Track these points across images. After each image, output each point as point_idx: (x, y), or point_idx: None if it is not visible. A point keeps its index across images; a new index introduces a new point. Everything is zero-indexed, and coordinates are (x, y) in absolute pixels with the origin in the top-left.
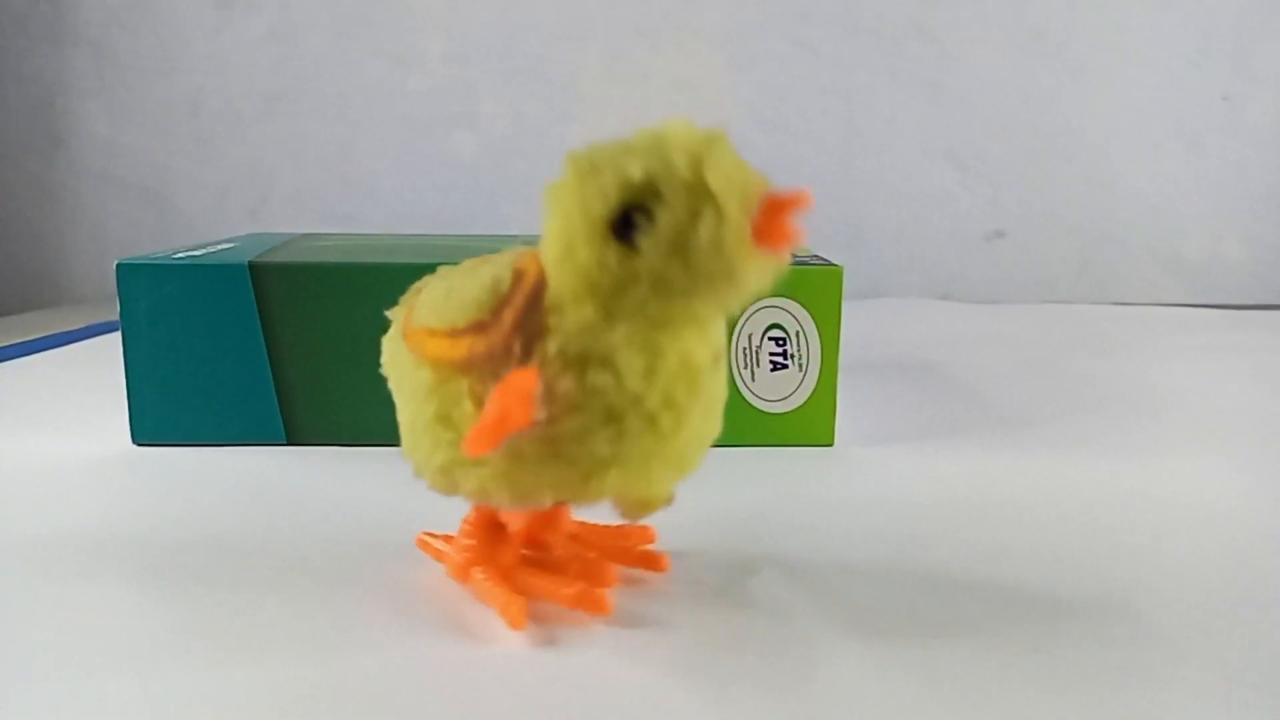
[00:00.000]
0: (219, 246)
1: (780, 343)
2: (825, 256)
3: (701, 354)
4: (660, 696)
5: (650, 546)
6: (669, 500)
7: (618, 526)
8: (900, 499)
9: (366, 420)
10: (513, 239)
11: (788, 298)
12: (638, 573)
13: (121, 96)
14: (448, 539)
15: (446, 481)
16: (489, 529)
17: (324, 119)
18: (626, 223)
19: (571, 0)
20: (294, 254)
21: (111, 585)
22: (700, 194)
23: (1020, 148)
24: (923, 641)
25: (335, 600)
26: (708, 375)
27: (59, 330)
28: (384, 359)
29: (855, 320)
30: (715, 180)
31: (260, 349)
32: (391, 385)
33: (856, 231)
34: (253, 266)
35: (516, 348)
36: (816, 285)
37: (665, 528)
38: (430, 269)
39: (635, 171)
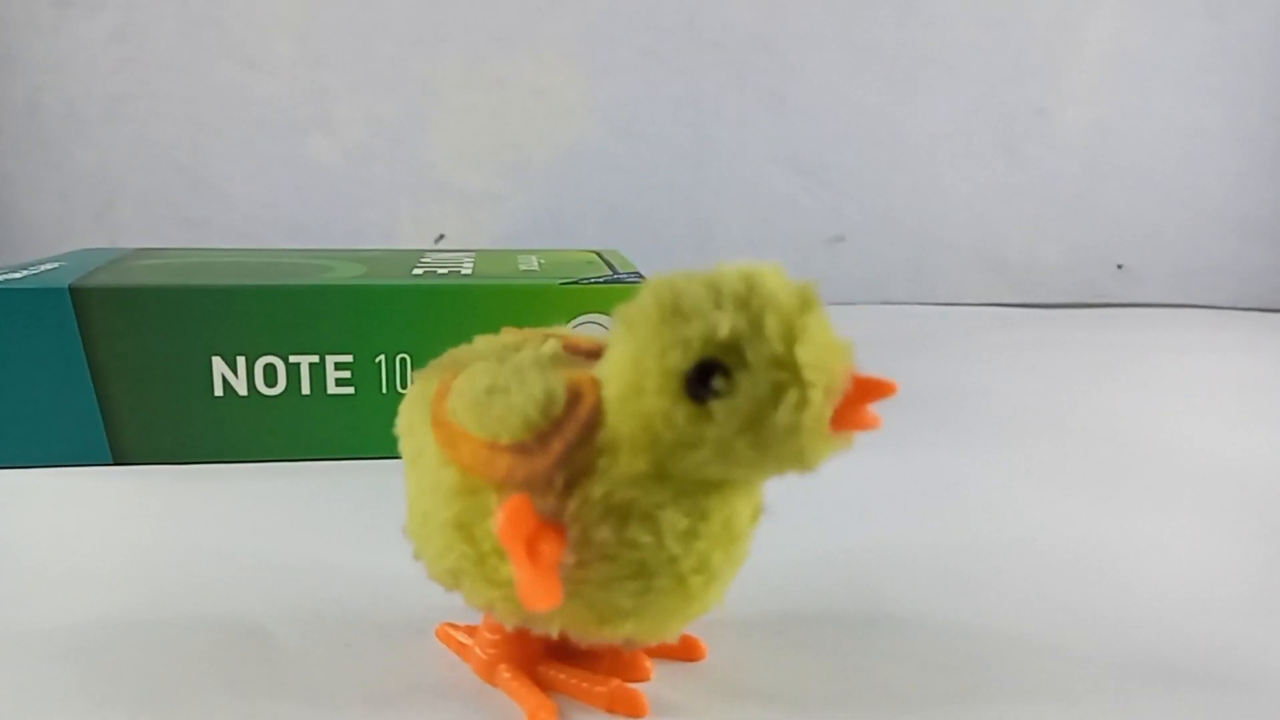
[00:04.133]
0: (45, 266)
1: None
2: (642, 272)
3: (745, 516)
4: None
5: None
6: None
7: None
8: None
9: (195, 439)
10: (368, 252)
11: (605, 313)
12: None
13: None
14: (470, 630)
15: (452, 583)
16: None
17: (172, 122)
18: (702, 379)
19: (425, 7)
20: (119, 275)
21: None
22: (788, 371)
23: (858, 156)
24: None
25: (227, 664)
26: (747, 537)
27: None
28: (400, 424)
29: None
30: (806, 360)
31: (83, 370)
32: (404, 453)
33: (707, 235)
34: (73, 290)
35: (559, 481)
36: None
37: None
38: (260, 291)
39: (723, 328)
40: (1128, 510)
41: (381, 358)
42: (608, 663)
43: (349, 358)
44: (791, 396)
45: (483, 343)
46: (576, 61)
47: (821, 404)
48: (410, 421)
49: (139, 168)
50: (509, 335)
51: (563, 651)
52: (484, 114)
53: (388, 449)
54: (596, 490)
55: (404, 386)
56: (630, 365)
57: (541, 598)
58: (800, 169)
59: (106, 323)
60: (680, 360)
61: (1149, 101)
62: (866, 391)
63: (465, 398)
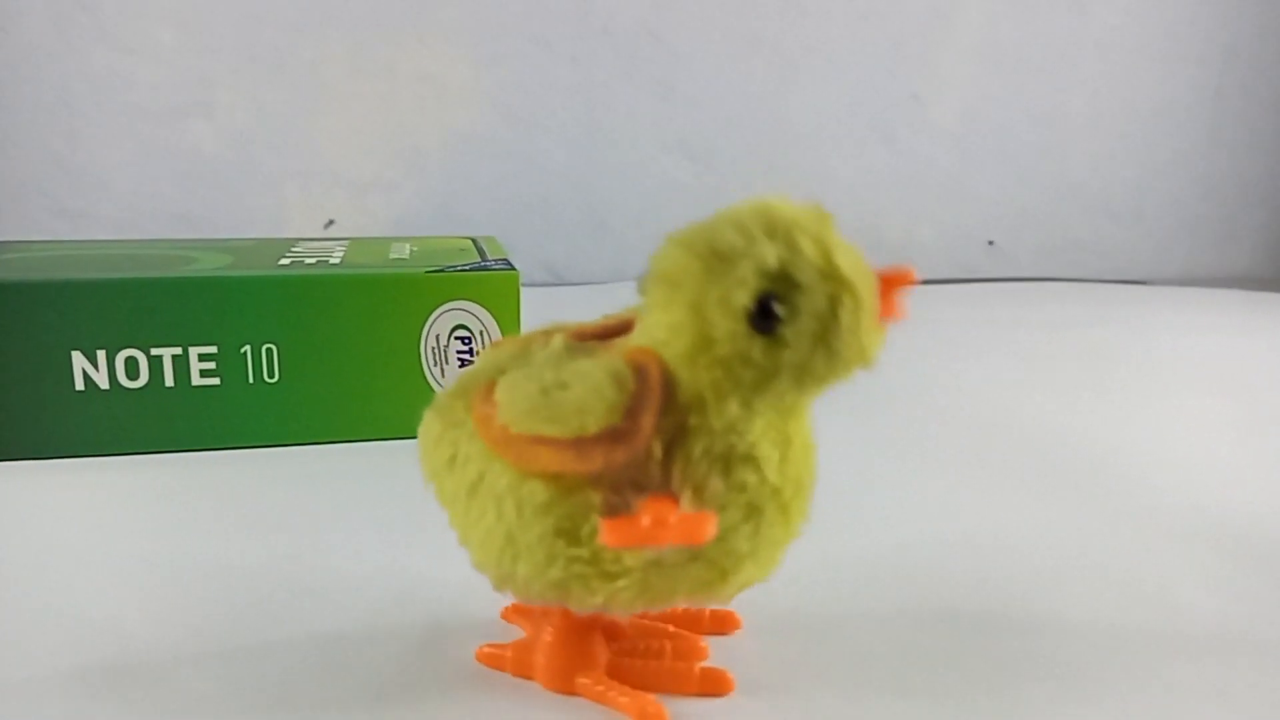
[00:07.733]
0: None
1: (466, 341)
2: (510, 261)
3: (810, 432)
4: None
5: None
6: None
7: None
8: None
9: (57, 434)
10: (238, 241)
11: (471, 300)
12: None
13: None
14: (520, 647)
15: (559, 595)
16: (578, 630)
17: (46, 110)
18: (764, 312)
19: None
20: None
21: None
22: (836, 281)
23: (743, 141)
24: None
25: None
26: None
27: None
28: (434, 463)
29: (582, 308)
30: (847, 266)
31: None
32: (452, 489)
33: (601, 219)
34: None
35: (657, 450)
36: (496, 288)
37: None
38: (119, 284)
39: (771, 259)
40: (1003, 486)
41: (247, 348)
42: (670, 647)
43: (213, 349)
44: (847, 302)
45: (490, 358)
46: (465, 49)
47: (871, 301)
48: (450, 455)
49: (12, 156)
50: (508, 344)
51: (618, 647)
52: (372, 101)
53: (254, 439)
54: (696, 447)
55: (271, 376)
56: (691, 319)
57: (702, 529)
58: (689, 154)
59: None
60: (744, 298)
61: (1016, 89)
62: (892, 282)
63: (522, 406)
